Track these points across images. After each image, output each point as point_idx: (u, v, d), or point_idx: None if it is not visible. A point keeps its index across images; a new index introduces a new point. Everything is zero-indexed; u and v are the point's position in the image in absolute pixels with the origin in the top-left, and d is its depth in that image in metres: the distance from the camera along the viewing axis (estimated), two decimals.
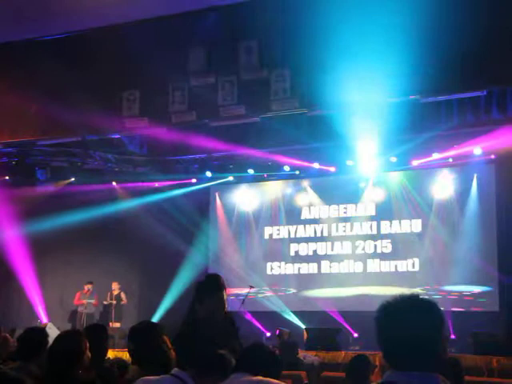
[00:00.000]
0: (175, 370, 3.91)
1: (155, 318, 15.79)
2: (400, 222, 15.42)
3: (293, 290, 16.27)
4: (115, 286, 16.31)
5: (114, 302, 16.14)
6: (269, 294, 16.37)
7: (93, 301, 16.07)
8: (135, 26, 10.25)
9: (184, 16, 10.06)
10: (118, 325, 15.96)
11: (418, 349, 2.36)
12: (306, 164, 15.03)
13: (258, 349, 4.20)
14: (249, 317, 15.20)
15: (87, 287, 16.07)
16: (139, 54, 10.22)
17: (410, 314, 2.40)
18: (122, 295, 16.27)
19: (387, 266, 15.41)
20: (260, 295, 16.16)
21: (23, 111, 10.97)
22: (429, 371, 2.37)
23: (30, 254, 15.61)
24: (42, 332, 5.64)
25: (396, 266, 15.30)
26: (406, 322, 2.38)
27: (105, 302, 16.26)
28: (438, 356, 2.40)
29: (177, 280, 16.15)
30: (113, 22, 10.11)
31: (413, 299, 2.44)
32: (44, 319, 15.89)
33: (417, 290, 14.05)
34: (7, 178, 14.75)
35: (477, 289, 14.35)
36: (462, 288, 14.50)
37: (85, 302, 15.93)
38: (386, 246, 15.53)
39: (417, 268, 15.03)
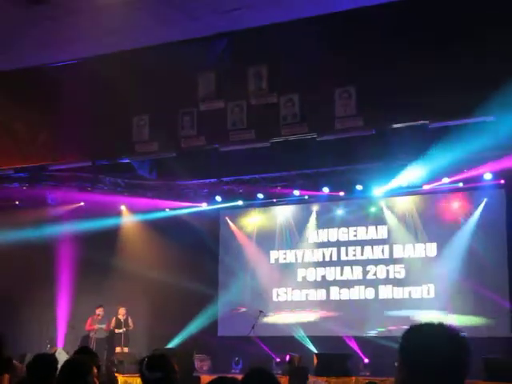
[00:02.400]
0: None
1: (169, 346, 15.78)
2: (414, 246, 15.32)
3: (303, 314, 16.16)
4: (122, 312, 16.17)
5: (124, 329, 16.01)
6: (279, 318, 16.28)
7: (103, 326, 15.98)
8: (146, 51, 10.33)
9: (194, 42, 10.13)
10: (126, 350, 15.88)
11: (444, 378, 2.32)
12: (315, 189, 15.03)
13: (259, 374, 4.10)
14: (259, 342, 15.13)
15: (98, 311, 15.96)
16: (149, 79, 10.31)
17: (438, 342, 2.36)
18: (129, 321, 16.15)
19: (400, 293, 15.26)
20: (270, 320, 16.07)
21: (34, 137, 11.04)
22: None
23: (38, 277, 15.67)
24: (50, 358, 5.61)
25: (410, 293, 15.14)
26: (434, 349, 2.34)
27: (117, 331, 16.04)
28: None
29: (187, 306, 16.14)
30: (123, 47, 10.19)
31: (440, 327, 2.41)
32: (56, 344, 15.85)
33: (430, 316, 13.97)
34: (17, 202, 14.83)
35: (488, 315, 14.22)
36: (472, 315, 14.38)
37: (96, 327, 15.83)
38: (399, 272, 15.40)
39: (432, 295, 14.85)
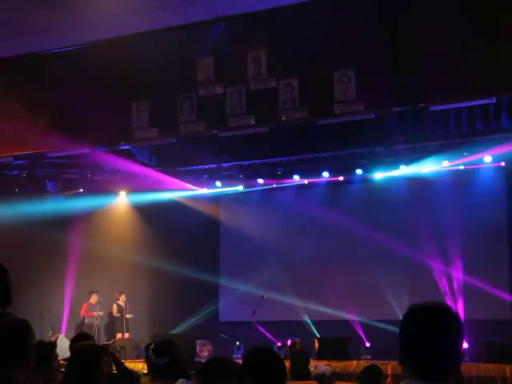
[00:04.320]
0: (181, 381, 3.95)
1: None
2: (413, 229, 15.29)
3: (304, 299, 16.18)
4: (122, 298, 16.20)
5: (132, 315, 16.07)
6: (280, 303, 16.30)
7: (102, 312, 16.00)
8: (144, 36, 10.30)
9: (192, 27, 10.10)
10: (127, 335, 15.93)
11: (443, 359, 2.33)
12: (315, 173, 15.02)
13: (261, 352, 4.02)
14: (259, 327, 15.17)
15: (94, 298, 15.97)
16: (148, 64, 10.27)
17: (438, 323, 2.37)
18: (128, 308, 16.18)
19: (401, 277, 15.27)
20: (271, 305, 16.09)
21: (33, 124, 11.01)
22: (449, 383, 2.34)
23: (38, 263, 15.63)
24: (48, 345, 5.59)
25: (410, 278, 15.12)
26: (434, 330, 2.36)
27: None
28: (459, 368, 2.38)
29: (188, 292, 16.17)
30: (122, 33, 10.15)
31: (440, 308, 2.42)
32: (60, 330, 15.87)
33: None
34: (17, 190, 14.80)
35: (489, 297, 14.24)
36: (473, 298, 14.41)
37: (95, 313, 15.84)
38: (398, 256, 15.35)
39: (432, 279, 14.80)
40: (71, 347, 5.68)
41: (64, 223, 15.27)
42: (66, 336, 14.88)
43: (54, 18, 9.39)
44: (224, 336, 15.31)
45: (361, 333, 14.80)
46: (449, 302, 13.77)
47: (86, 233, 15.79)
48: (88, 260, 15.87)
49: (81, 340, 5.48)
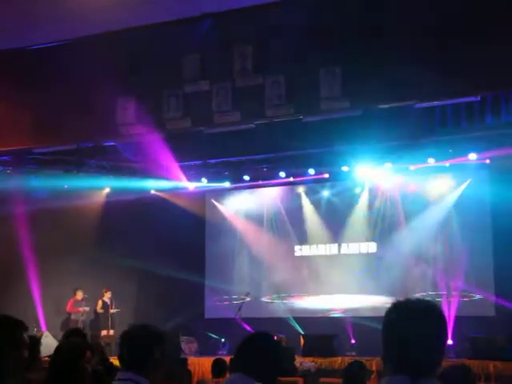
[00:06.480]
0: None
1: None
2: (399, 228, 15.33)
3: (290, 296, 16.20)
4: (108, 294, 16.15)
5: (114, 310, 16.03)
6: (266, 300, 16.32)
7: (88, 308, 15.95)
8: (130, 32, 10.26)
9: (179, 23, 10.08)
10: (112, 332, 15.87)
11: (428, 355, 2.34)
12: (301, 170, 15.01)
13: (264, 336, 4.02)
14: (244, 324, 15.16)
15: (79, 294, 15.89)
16: (134, 60, 10.25)
17: (423, 319, 2.38)
18: (114, 304, 16.15)
19: (387, 273, 15.30)
20: (257, 302, 16.10)
21: (17, 119, 10.95)
22: (434, 379, 2.34)
23: (30, 259, 15.47)
24: (32, 341, 5.55)
25: (395, 275, 15.16)
26: (419, 326, 2.36)
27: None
28: (440, 364, 2.38)
29: (173, 288, 16.13)
30: (107, 29, 10.11)
31: (424, 304, 2.42)
32: (41, 327, 15.79)
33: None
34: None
35: (473, 294, 14.31)
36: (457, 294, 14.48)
37: (81, 309, 15.78)
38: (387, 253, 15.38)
39: (418, 276, 14.86)
40: None
41: (43, 219, 15.12)
42: (49, 332, 14.83)
43: (37, 13, 9.34)
44: (210, 334, 15.29)
45: (347, 330, 14.81)
46: (436, 300, 13.81)
47: (69, 229, 15.67)
48: (69, 257, 15.74)
49: (72, 336, 5.45)
